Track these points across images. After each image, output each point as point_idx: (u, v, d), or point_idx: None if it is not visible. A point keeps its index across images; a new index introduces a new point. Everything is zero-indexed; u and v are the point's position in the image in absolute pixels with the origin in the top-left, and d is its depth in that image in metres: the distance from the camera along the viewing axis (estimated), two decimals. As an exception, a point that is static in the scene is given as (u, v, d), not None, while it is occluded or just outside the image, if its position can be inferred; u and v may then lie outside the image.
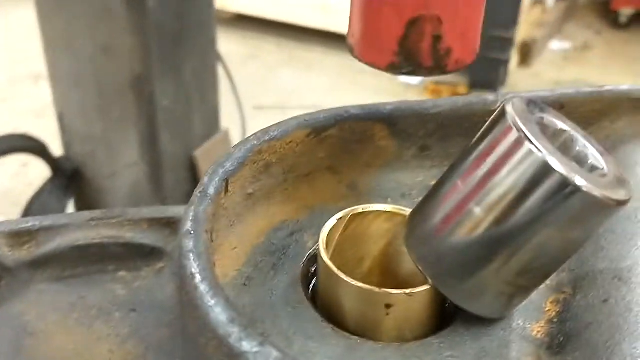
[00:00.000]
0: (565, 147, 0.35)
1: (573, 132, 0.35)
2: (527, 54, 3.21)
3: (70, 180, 1.60)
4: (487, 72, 3.02)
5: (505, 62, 3.02)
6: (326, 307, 0.38)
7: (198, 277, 0.31)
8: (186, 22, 1.55)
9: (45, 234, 0.48)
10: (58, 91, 1.57)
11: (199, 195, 0.36)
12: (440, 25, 0.28)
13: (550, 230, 0.32)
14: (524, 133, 0.31)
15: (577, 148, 0.35)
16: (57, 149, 1.69)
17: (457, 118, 0.46)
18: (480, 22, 0.30)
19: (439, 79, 3.07)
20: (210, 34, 1.65)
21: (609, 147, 0.48)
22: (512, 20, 2.95)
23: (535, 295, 0.39)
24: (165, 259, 0.50)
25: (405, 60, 0.29)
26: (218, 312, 0.30)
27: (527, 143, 0.31)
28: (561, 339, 0.36)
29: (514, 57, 3.14)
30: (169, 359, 0.42)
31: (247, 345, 0.28)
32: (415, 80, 3.05)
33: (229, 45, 2.75)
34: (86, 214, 0.49)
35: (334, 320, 0.37)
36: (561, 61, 3.35)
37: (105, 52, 1.47)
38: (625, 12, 3.54)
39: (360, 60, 0.31)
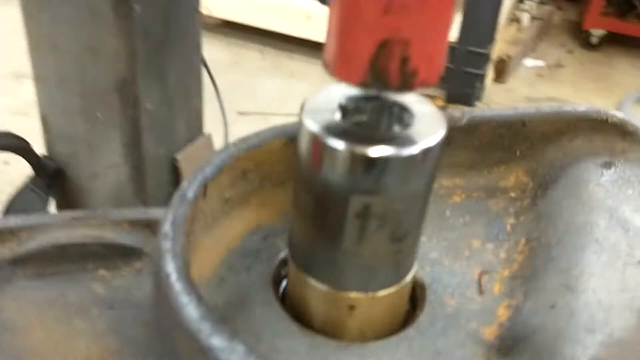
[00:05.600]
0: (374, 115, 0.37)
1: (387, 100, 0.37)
2: (502, 70, 3.27)
3: (52, 179, 1.60)
4: (463, 87, 3.09)
5: (482, 77, 3.07)
6: (294, 308, 0.40)
7: (173, 277, 0.33)
8: (171, 27, 1.56)
9: (27, 232, 0.49)
10: (42, 91, 1.58)
11: (178, 199, 0.38)
12: (408, 47, 0.31)
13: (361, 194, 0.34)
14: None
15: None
16: (39, 148, 1.69)
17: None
18: (445, 45, 0.32)
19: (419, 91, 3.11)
20: (195, 40, 1.67)
21: (566, 164, 0.51)
22: (489, 37, 3.01)
23: (490, 302, 0.42)
24: (144, 259, 0.51)
25: (374, 80, 0.31)
26: (190, 310, 0.32)
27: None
28: (510, 342, 0.38)
29: (490, 73, 3.20)
30: (145, 355, 0.44)
31: (216, 341, 0.30)
32: (397, 91, 3.09)
33: (214, 51, 2.77)
34: (68, 214, 0.51)
35: (301, 320, 0.39)
36: (534, 78, 3.42)
37: (91, 53, 1.48)
38: (596, 32, 3.64)
39: (333, 77, 0.33)
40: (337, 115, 0.35)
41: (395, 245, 0.36)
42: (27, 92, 1.82)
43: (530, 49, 3.60)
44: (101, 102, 1.54)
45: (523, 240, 0.46)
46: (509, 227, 0.48)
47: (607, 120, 0.51)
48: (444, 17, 0.31)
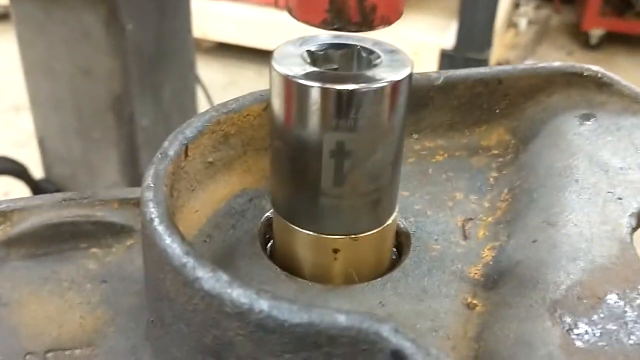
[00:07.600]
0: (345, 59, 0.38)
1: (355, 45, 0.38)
2: (502, 75, 3.28)
3: (51, 202, 1.61)
4: (463, 93, 3.09)
5: (481, 84, 3.08)
6: (283, 259, 0.40)
7: (156, 221, 0.34)
8: (164, 45, 1.58)
9: (18, 214, 0.50)
10: (38, 115, 1.60)
11: (159, 156, 0.39)
12: (365, -17, 0.32)
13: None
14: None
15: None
16: (39, 176, 1.70)
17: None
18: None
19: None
20: (188, 56, 1.69)
21: (546, 119, 0.51)
22: (486, 43, 3.03)
23: (474, 246, 0.42)
24: (135, 236, 0.52)
25: (335, 17, 0.32)
26: (174, 247, 0.32)
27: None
28: (494, 277, 0.39)
29: (490, 79, 3.21)
30: (137, 322, 0.45)
31: (200, 272, 0.31)
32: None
33: (211, 73, 2.80)
34: (58, 195, 0.52)
35: (290, 270, 0.40)
36: (535, 82, 3.43)
37: (85, 74, 1.50)
38: (596, 32, 3.64)
39: (297, 20, 0.34)
40: (307, 61, 0.36)
41: (372, 185, 0.37)
42: (26, 124, 1.84)
43: (529, 53, 3.61)
44: (97, 121, 1.56)
45: (506, 190, 0.47)
46: (491, 180, 0.48)
47: (582, 74, 0.52)
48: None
